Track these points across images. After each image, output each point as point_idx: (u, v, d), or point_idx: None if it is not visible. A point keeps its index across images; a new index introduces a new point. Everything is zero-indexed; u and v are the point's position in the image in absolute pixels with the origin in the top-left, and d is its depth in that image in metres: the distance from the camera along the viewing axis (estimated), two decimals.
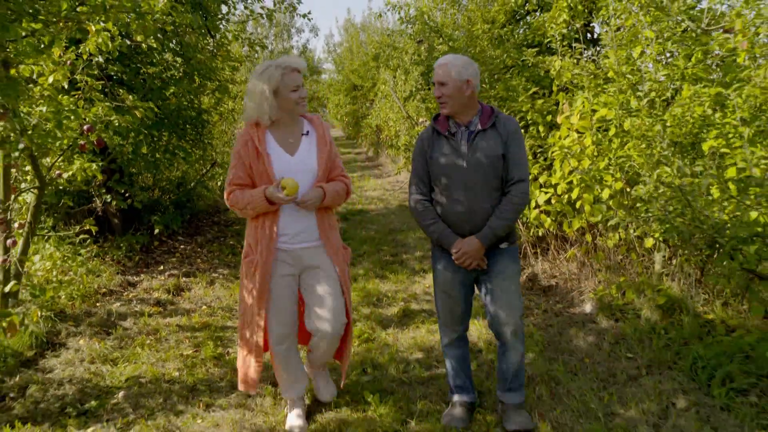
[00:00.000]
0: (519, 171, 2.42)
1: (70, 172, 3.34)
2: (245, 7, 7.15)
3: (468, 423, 2.58)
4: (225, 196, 2.45)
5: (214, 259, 5.53)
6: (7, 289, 2.91)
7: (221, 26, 6.53)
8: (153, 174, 6.48)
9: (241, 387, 2.56)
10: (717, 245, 2.85)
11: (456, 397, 2.65)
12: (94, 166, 3.38)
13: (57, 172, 3.73)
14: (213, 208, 8.20)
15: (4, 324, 2.71)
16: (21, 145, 2.65)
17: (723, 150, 3.38)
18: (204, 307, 4.20)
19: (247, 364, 2.50)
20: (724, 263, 2.81)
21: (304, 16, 7.46)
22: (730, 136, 3.45)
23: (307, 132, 2.51)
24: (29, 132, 2.85)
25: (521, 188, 2.42)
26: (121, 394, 2.86)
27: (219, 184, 9.51)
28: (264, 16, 6.98)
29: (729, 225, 2.77)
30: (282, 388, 2.62)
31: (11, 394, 2.83)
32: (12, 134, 2.55)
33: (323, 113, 22.04)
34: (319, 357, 2.63)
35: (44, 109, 2.86)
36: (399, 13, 7.41)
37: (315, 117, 2.58)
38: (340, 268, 2.54)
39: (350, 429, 2.53)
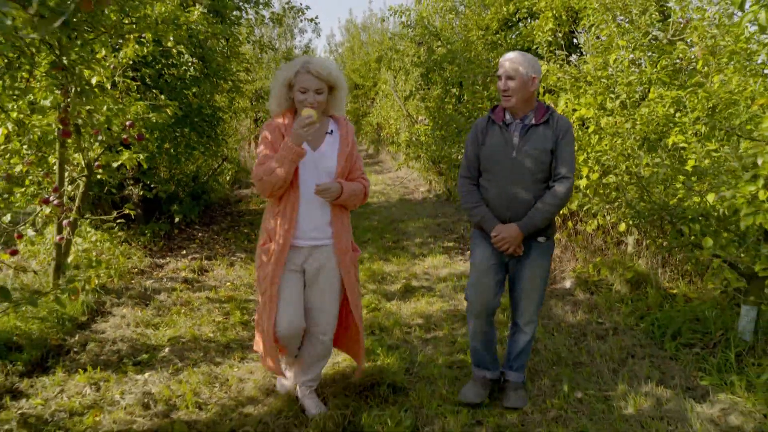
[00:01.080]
0: (565, 168, 2.49)
1: (119, 162, 3.83)
2: (256, 12, 7.66)
3: (484, 398, 2.69)
4: (252, 175, 2.45)
5: (231, 245, 6.04)
6: (69, 259, 3.41)
7: (233, 30, 7.03)
8: (170, 168, 6.99)
9: (266, 367, 2.66)
10: (670, 224, 3.37)
11: (476, 371, 2.77)
12: (141, 156, 3.88)
13: (96, 163, 4.23)
14: (224, 200, 8.71)
15: (71, 288, 3.21)
16: (100, 137, 3.14)
17: (682, 144, 3.90)
18: (228, 283, 4.71)
19: (265, 350, 2.54)
20: (675, 238, 3.33)
21: (312, 20, 7.97)
22: (689, 132, 3.98)
23: (331, 131, 2.53)
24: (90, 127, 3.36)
25: (565, 184, 2.48)
26: (167, 349, 3.37)
27: (228, 178, 10.03)
28: (272, 21, 7.49)
29: (679, 208, 3.29)
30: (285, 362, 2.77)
31: (75, 349, 3.34)
32: (88, 128, 3.05)
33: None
34: (306, 366, 2.65)
35: (104, 108, 3.36)
36: (401, 17, 7.94)
37: (341, 118, 2.59)
38: (345, 271, 2.53)
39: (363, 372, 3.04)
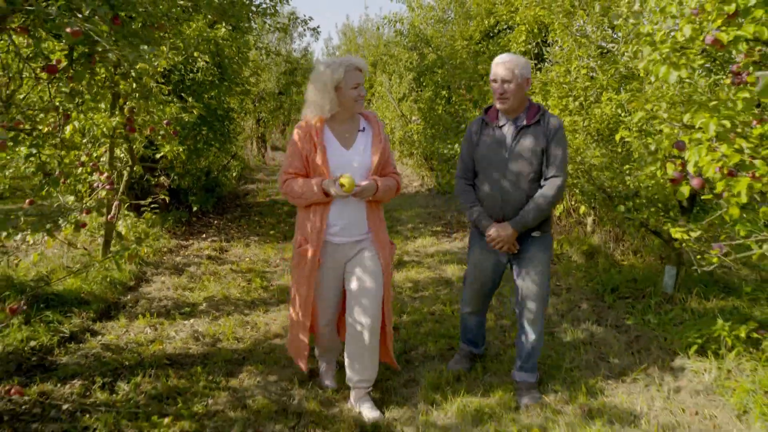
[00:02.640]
0: (556, 167, 2.53)
1: (162, 153, 4.61)
2: (264, 22, 8.44)
3: (468, 368, 2.99)
4: (280, 184, 2.55)
5: (244, 230, 6.82)
6: (122, 231, 4.18)
7: (244, 38, 7.81)
8: (186, 163, 7.76)
9: (295, 360, 2.79)
10: (610, 201, 4.18)
11: (463, 347, 3.02)
12: (181, 148, 4.66)
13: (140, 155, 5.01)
14: (233, 194, 9.49)
15: (127, 254, 3.98)
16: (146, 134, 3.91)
17: (628, 138, 4.71)
18: (246, 259, 5.49)
19: (297, 344, 2.70)
20: (615, 211, 4.13)
21: (314, 29, 8.76)
22: (634, 129, 4.78)
23: (363, 128, 2.57)
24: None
25: (556, 183, 2.53)
26: (204, 305, 4.15)
27: (234, 174, 10.79)
28: (278, 29, 8.27)
29: (616, 189, 4.10)
30: (319, 353, 2.96)
31: (129, 305, 4.12)
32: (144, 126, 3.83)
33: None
34: (357, 354, 2.56)
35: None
36: (395, 26, 8.74)
37: (371, 115, 2.63)
38: (385, 263, 2.57)
39: None
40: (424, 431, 2.49)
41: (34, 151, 2.54)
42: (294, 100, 16.29)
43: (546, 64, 6.23)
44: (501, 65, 2.53)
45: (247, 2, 5.83)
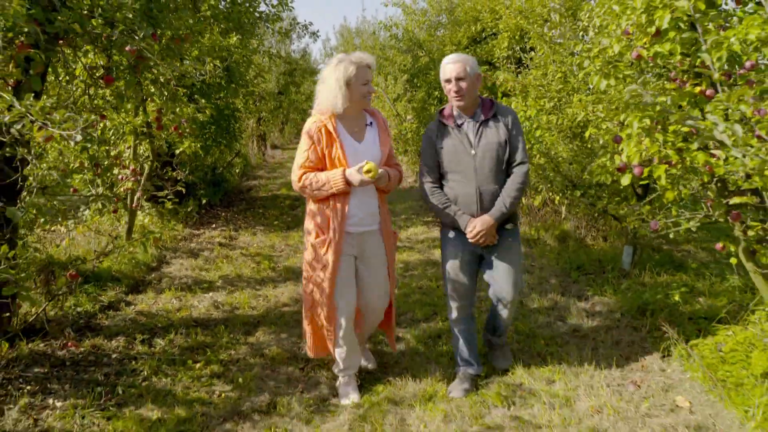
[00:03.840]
0: (521, 154, 2.69)
1: (181, 149, 5.16)
2: (267, 27, 8.99)
3: (472, 391, 2.81)
4: (295, 178, 2.60)
5: (250, 221, 7.39)
6: (143, 219, 4.73)
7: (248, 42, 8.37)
8: (194, 160, 8.31)
9: (311, 354, 2.89)
10: (575, 190, 4.76)
11: (461, 370, 2.88)
12: (199, 144, 5.22)
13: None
14: (237, 189, 10.04)
15: (153, 237, 4.55)
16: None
17: (597, 136, 5.29)
18: (254, 245, 6.06)
19: (318, 336, 2.80)
20: (579, 199, 4.72)
21: (313, 34, 9.31)
22: (603, 127, 5.36)
23: (371, 123, 2.71)
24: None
25: (523, 169, 2.68)
26: (220, 281, 4.72)
27: (237, 171, 11.34)
28: (280, 34, 8.83)
29: (580, 179, 4.67)
30: (340, 363, 2.81)
31: (154, 281, 4.68)
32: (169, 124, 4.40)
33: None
34: (365, 331, 2.94)
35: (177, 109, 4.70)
36: (390, 30, 9.31)
37: (376, 110, 2.76)
38: (390, 253, 2.78)
39: None
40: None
41: (88, 145, 3.09)
42: (292, 99, 16.85)
43: (525, 69, 6.81)
44: (452, 65, 2.61)
45: (251, 9, 6.38)
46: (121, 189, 5.07)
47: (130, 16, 2.76)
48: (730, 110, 1.95)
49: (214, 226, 7.05)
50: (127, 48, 2.65)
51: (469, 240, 2.68)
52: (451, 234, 2.80)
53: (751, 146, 1.96)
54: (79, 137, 1.86)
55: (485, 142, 2.67)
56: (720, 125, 1.89)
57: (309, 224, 2.68)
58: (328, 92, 2.54)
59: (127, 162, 5.17)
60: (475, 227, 2.65)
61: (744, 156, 1.87)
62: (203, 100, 6.01)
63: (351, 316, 2.70)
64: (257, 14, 6.73)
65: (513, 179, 2.69)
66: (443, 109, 2.79)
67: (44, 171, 2.53)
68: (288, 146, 19.69)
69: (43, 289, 3.74)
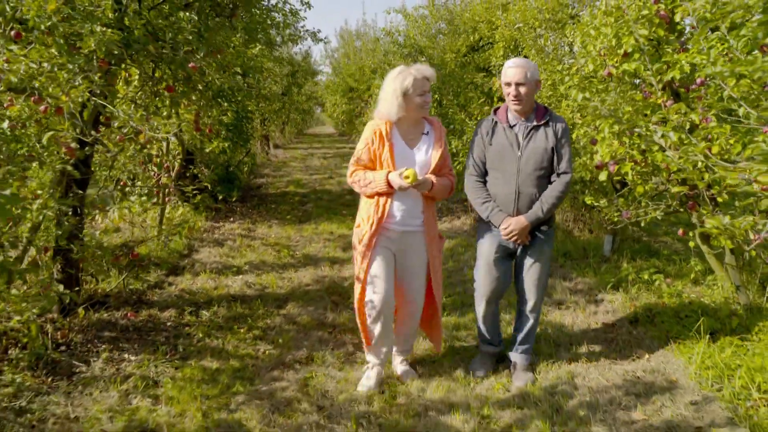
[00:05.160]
0: (565, 164, 2.74)
1: (210, 147, 5.75)
2: (276, 33, 9.57)
3: (490, 370, 3.03)
4: (348, 173, 2.81)
5: (265, 215, 7.97)
6: (174, 210, 5.32)
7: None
8: (216, 157, 8.89)
9: (365, 348, 3.00)
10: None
11: (484, 347, 3.09)
12: (227, 143, 5.80)
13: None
14: (246, 186, 10.61)
15: (187, 226, 5.13)
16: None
17: (592, 133, 5.90)
18: (272, 236, 6.65)
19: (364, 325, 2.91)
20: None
21: (320, 40, 9.88)
22: (582, 131, 5.97)
23: (427, 132, 2.81)
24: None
25: (566, 179, 2.74)
26: (246, 266, 5.31)
27: (246, 169, 11.91)
28: (290, 41, 9.40)
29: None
30: (369, 349, 2.95)
31: (188, 266, 5.26)
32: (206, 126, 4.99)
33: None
34: (402, 332, 3.00)
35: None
36: (392, 37, 9.91)
37: (435, 120, 2.86)
38: (432, 255, 2.85)
39: None
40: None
41: (147, 146, 3.68)
42: (294, 100, 17.40)
43: None
44: (514, 69, 2.66)
45: (267, 21, 6.96)
46: (157, 183, 5.66)
47: (190, 37, 3.35)
48: (669, 120, 2.55)
49: (231, 219, 7.63)
50: (190, 65, 3.24)
51: (502, 236, 2.80)
52: (487, 230, 2.90)
53: (687, 147, 2.56)
54: (173, 138, 2.44)
55: (533, 146, 2.74)
56: (658, 131, 2.48)
57: (358, 215, 2.89)
58: (386, 101, 2.71)
59: (159, 160, 5.76)
60: (510, 225, 2.75)
61: (680, 158, 2.48)
62: (225, 104, 6.60)
63: (382, 309, 2.78)
64: (269, 22, 7.31)
65: (554, 186, 2.76)
66: (498, 108, 2.88)
67: (122, 167, 3.09)
68: (289, 146, 20.27)
69: (107, 267, 4.32)
